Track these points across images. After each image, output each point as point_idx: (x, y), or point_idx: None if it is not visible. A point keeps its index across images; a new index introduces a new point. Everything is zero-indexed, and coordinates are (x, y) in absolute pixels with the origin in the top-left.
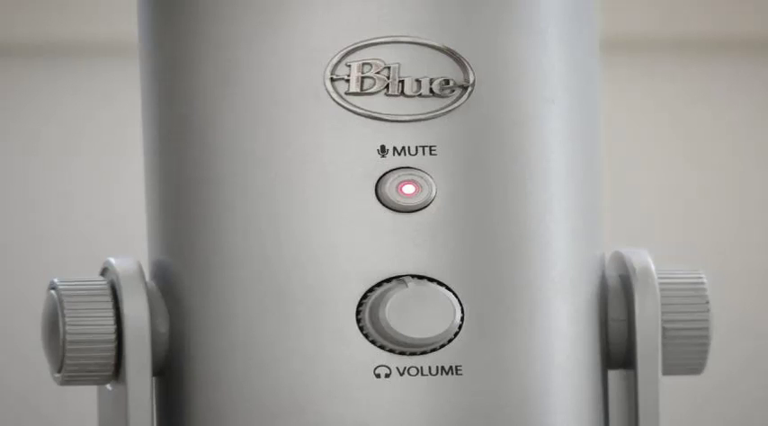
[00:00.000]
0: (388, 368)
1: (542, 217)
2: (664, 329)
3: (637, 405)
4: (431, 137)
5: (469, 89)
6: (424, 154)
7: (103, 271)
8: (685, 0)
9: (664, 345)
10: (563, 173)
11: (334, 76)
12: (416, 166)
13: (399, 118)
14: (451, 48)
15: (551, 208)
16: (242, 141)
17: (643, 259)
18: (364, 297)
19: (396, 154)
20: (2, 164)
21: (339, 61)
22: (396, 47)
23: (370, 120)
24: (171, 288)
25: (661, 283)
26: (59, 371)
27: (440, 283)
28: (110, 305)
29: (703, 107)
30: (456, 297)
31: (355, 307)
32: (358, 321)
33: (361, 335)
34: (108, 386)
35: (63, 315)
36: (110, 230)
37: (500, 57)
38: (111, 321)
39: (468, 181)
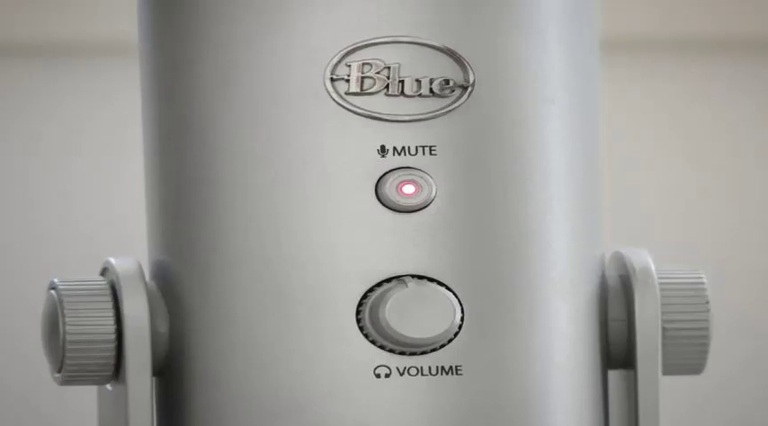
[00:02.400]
0: (388, 368)
1: (542, 217)
2: (664, 329)
3: (637, 405)
4: (431, 137)
5: (469, 89)
6: (424, 154)
7: (103, 271)
8: (685, 0)
9: (664, 345)
10: (563, 173)
11: (334, 76)
12: (416, 166)
13: (399, 118)
14: (451, 48)
15: (551, 208)
16: (242, 141)
17: (643, 259)
18: (364, 297)
19: (396, 154)
20: (2, 164)
21: (339, 61)
22: (396, 47)
23: (370, 120)
24: (171, 288)
25: (661, 283)
26: (59, 371)
27: (440, 283)
28: (110, 305)
29: (703, 107)
30: (456, 297)
31: (355, 307)
32: (358, 321)
33: (361, 335)
34: (108, 386)
35: (63, 315)
36: (110, 230)
37: (500, 57)
38: (111, 321)
39: (468, 181)
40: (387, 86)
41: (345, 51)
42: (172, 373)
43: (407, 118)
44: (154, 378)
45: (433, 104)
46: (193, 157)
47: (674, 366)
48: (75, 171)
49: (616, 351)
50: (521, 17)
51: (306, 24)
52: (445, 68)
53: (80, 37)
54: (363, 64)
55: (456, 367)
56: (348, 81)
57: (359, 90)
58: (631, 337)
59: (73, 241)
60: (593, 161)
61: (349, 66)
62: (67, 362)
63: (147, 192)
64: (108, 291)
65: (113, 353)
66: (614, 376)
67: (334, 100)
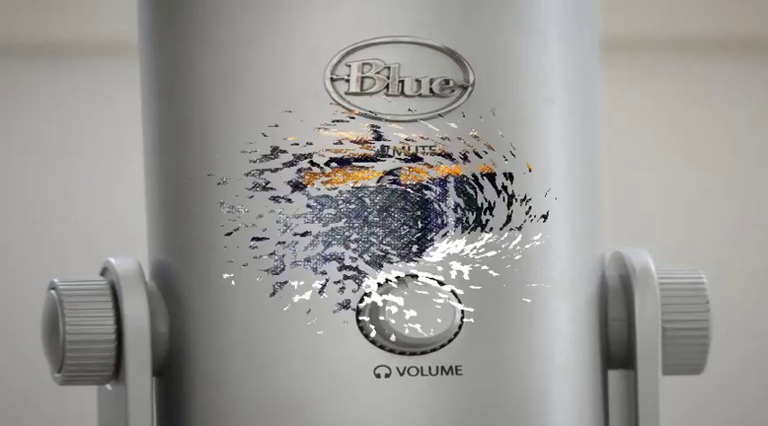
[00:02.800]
0: (388, 368)
1: None
2: (664, 329)
3: (637, 405)
4: (431, 136)
5: (469, 89)
6: (424, 154)
7: (103, 271)
8: (685, 0)
9: (664, 345)
10: (563, 173)
11: (335, 76)
12: (416, 166)
13: (399, 118)
14: (451, 48)
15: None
16: (242, 141)
17: (643, 259)
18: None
19: (396, 153)
20: (2, 164)
21: (339, 61)
22: (396, 47)
23: (370, 120)
24: (171, 288)
25: (661, 283)
26: (59, 371)
27: (440, 283)
28: (110, 305)
29: (703, 107)
30: (456, 296)
31: (355, 307)
32: (358, 321)
33: (361, 335)
34: (108, 386)
35: (63, 315)
36: (110, 230)
37: (500, 57)
38: (111, 321)
39: None
40: (387, 86)
41: (345, 51)
42: (172, 373)
43: (407, 118)
44: (154, 378)
45: (433, 104)
46: (193, 157)
47: (674, 366)
48: (75, 171)
49: (616, 351)
50: (521, 17)
51: (306, 24)
52: (445, 68)
53: (80, 37)
54: (363, 64)
55: (456, 367)
56: (348, 81)
57: (359, 90)
58: (631, 337)
59: (73, 241)
60: (593, 161)
61: (349, 66)
62: (67, 362)
63: (147, 192)
64: (108, 291)
65: (113, 353)
66: (614, 376)
67: (334, 100)
